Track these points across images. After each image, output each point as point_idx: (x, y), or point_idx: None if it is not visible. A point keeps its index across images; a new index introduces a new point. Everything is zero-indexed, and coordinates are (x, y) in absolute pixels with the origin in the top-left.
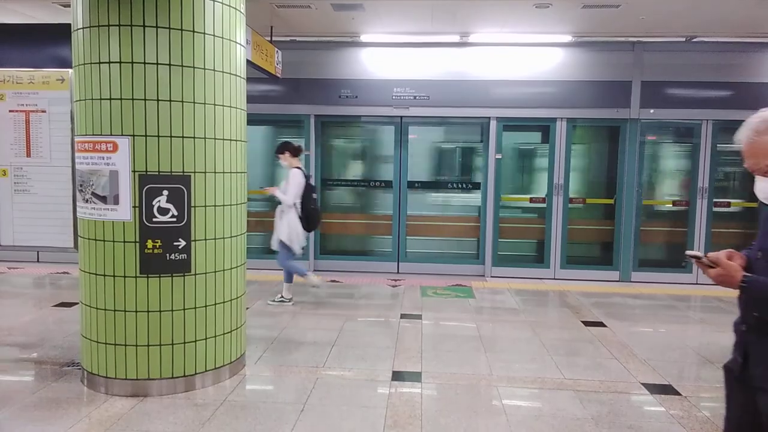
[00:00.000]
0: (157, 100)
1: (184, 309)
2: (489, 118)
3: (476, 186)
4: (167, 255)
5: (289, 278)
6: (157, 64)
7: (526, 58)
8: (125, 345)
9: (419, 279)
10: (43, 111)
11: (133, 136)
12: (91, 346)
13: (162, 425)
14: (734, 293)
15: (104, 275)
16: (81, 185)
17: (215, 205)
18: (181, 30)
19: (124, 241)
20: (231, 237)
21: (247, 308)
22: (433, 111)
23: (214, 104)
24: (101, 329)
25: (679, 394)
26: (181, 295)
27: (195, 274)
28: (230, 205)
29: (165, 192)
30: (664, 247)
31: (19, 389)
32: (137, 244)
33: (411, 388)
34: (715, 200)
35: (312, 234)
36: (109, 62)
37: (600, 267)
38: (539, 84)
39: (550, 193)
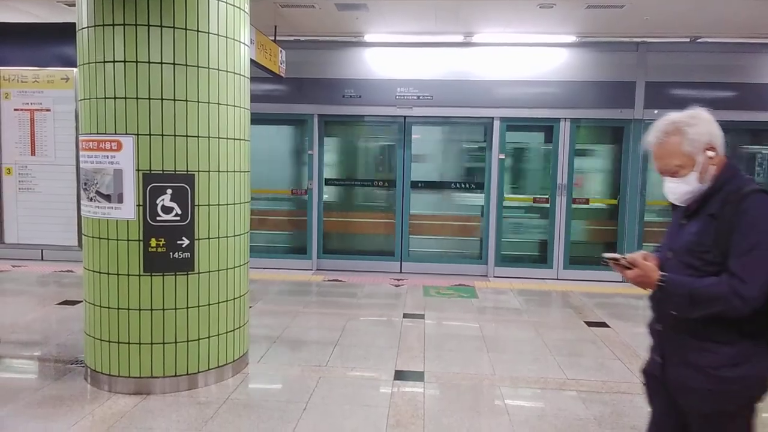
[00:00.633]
0: (161, 99)
1: (187, 307)
2: (492, 118)
3: (479, 186)
4: (171, 253)
5: None
6: (162, 63)
7: (530, 58)
8: (129, 343)
9: (422, 279)
10: (48, 110)
11: (137, 135)
12: (95, 343)
13: (165, 423)
14: None
15: (108, 273)
16: (85, 184)
17: (219, 204)
18: (186, 29)
19: (128, 240)
20: (234, 236)
21: (250, 307)
22: (437, 111)
23: (218, 103)
24: (105, 327)
25: None
26: (184, 294)
27: (198, 273)
28: (234, 204)
29: (169, 191)
30: None
31: (23, 386)
32: (141, 243)
33: (414, 387)
34: None
35: (315, 233)
36: (114, 61)
37: (603, 267)
38: (543, 84)
39: (553, 193)
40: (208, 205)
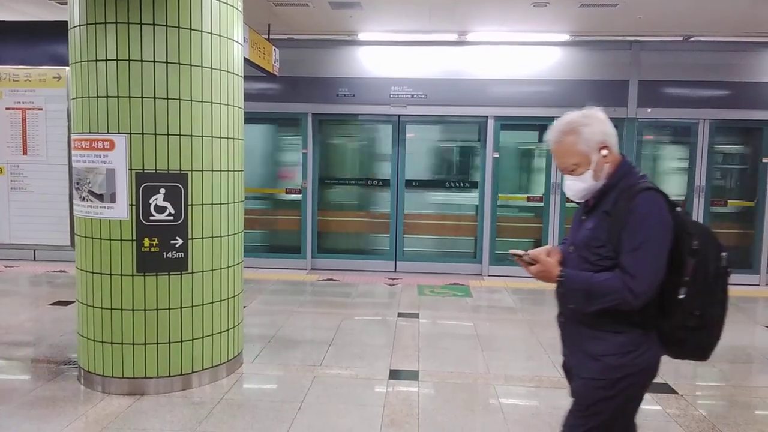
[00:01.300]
0: (154, 98)
1: (180, 307)
2: (487, 117)
3: (474, 185)
4: (164, 253)
5: None
6: (154, 61)
7: (524, 57)
8: (122, 343)
9: (416, 278)
10: (40, 109)
11: (130, 134)
12: (88, 344)
13: (159, 424)
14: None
15: (101, 273)
16: (78, 183)
17: (212, 204)
18: (179, 27)
19: (121, 240)
20: (228, 235)
21: (245, 306)
22: (431, 110)
23: (212, 102)
24: (98, 328)
25: (675, 392)
26: (177, 294)
27: (192, 273)
28: (227, 203)
29: (162, 190)
30: None
31: (16, 387)
32: (134, 243)
33: (408, 386)
34: (712, 199)
35: (309, 233)
36: (106, 60)
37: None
38: (537, 83)
39: (547, 192)
40: (202, 204)
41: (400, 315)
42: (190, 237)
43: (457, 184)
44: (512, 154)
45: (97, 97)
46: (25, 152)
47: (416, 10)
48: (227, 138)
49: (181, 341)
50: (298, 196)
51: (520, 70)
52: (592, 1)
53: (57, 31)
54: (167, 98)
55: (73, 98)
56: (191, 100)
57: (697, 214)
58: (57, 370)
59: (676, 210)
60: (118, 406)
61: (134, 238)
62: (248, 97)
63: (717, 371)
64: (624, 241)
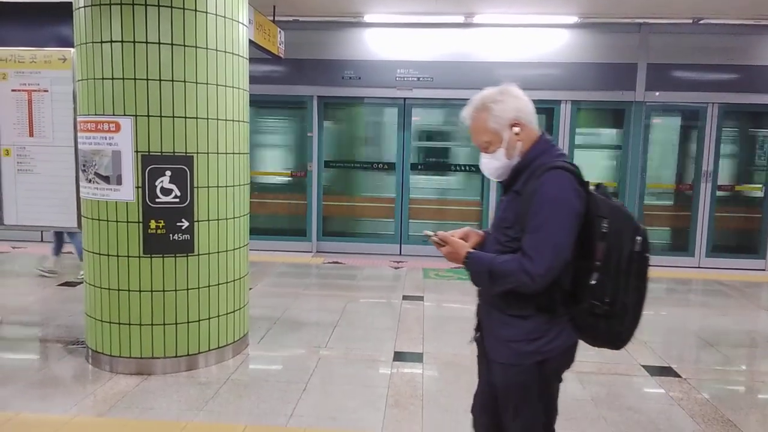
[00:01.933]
0: (160, 80)
1: (187, 289)
2: None
3: (479, 169)
4: (170, 235)
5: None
6: (160, 43)
7: (531, 40)
8: (129, 324)
9: (421, 261)
10: (46, 90)
11: (136, 116)
12: (96, 325)
13: (166, 403)
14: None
15: (108, 255)
16: (84, 165)
17: (218, 186)
18: (183, 9)
19: (128, 221)
20: (234, 218)
21: (250, 289)
22: (437, 93)
23: (217, 84)
24: (105, 308)
25: (679, 376)
26: (184, 275)
27: (198, 255)
28: (233, 186)
29: (168, 172)
30: (667, 230)
31: (25, 367)
32: (140, 224)
33: (412, 368)
34: (719, 184)
35: (315, 216)
36: (111, 41)
37: None
38: (544, 66)
39: None
40: (207, 187)
41: (404, 298)
42: (196, 219)
43: (463, 168)
44: None
45: (103, 79)
46: (31, 134)
47: None
48: (233, 120)
49: (188, 322)
50: (303, 179)
51: (527, 52)
52: None
53: (62, 12)
54: (173, 80)
55: (79, 80)
56: (197, 83)
57: (703, 199)
58: (65, 350)
59: (589, 190)
60: (125, 386)
61: (140, 220)
62: (253, 79)
63: (720, 355)
64: (527, 222)
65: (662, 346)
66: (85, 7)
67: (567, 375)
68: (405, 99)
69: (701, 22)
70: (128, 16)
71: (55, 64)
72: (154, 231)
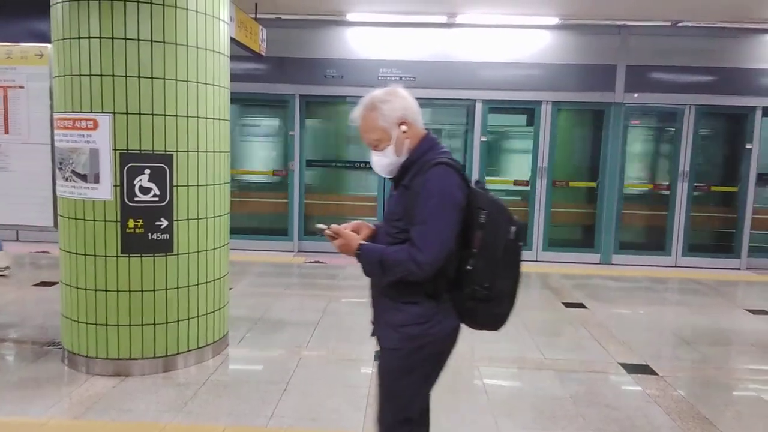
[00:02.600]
0: (139, 77)
1: (166, 289)
2: (475, 100)
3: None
4: (149, 234)
5: None
6: (139, 39)
7: (513, 41)
8: (106, 325)
9: None
10: (21, 87)
11: (114, 113)
12: (72, 325)
13: (144, 404)
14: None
15: (85, 255)
16: (61, 163)
17: (198, 185)
18: (163, 5)
19: (105, 221)
20: (214, 217)
21: (231, 288)
22: (419, 92)
23: (197, 82)
24: (82, 309)
25: (655, 373)
26: (163, 275)
27: (177, 254)
28: (213, 184)
29: (147, 171)
30: (644, 230)
31: None
32: (118, 224)
33: None
34: (695, 184)
35: (297, 215)
36: (89, 37)
37: (581, 249)
38: (525, 66)
39: (534, 175)
40: (187, 185)
41: None
42: (175, 218)
43: None
44: (500, 138)
45: (80, 75)
46: (6, 131)
47: None
48: (213, 118)
49: (166, 322)
50: (285, 178)
51: (509, 53)
52: None
53: (39, 7)
54: (152, 77)
55: (56, 76)
56: (176, 80)
57: (680, 199)
58: (41, 351)
59: (470, 185)
60: (102, 387)
61: (118, 219)
62: (234, 77)
63: (697, 353)
64: (415, 215)
65: (639, 344)
66: (62, 2)
67: (546, 373)
68: None
69: (679, 24)
70: (107, 12)
71: (32, 59)
72: (132, 230)
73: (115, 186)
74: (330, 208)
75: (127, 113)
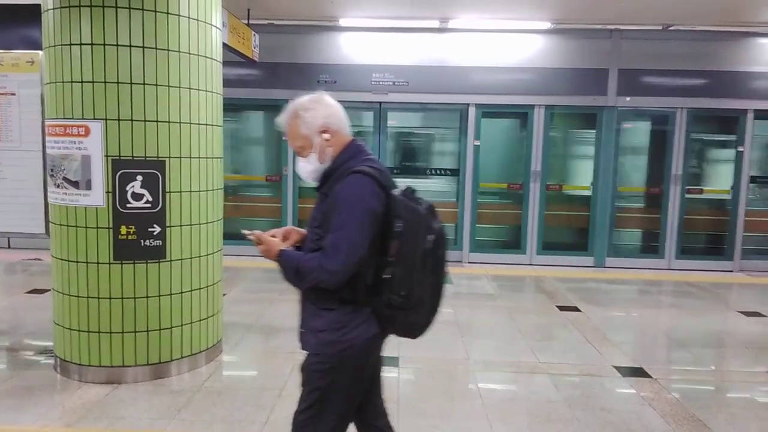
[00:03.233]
0: (131, 83)
1: (159, 296)
2: (468, 104)
3: (455, 172)
4: (142, 241)
5: None
6: (131, 46)
7: (506, 45)
8: (99, 332)
9: None
10: (13, 94)
11: (106, 120)
12: (64, 333)
13: (137, 412)
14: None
15: (77, 262)
16: (52, 170)
17: (191, 191)
18: (155, 11)
19: (98, 227)
20: (207, 223)
21: (224, 295)
22: (413, 97)
23: (189, 88)
24: (74, 316)
25: (649, 376)
26: (156, 282)
27: (170, 261)
28: (206, 190)
29: (139, 177)
30: (638, 233)
31: None
32: (111, 230)
33: (388, 372)
34: (687, 187)
35: (290, 220)
36: (81, 44)
37: (575, 253)
38: (518, 71)
39: (527, 180)
40: (180, 191)
41: None
42: (168, 225)
43: (438, 172)
44: (493, 142)
45: (72, 82)
46: None
47: None
48: (206, 125)
49: (160, 329)
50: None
51: (502, 57)
52: None
53: (30, 14)
54: (144, 84)
55: (47, 83)
56: (168, 86)
57: (673, 202)
58: (33, 359)
59: (389, 193)
60: (95, 395)
61: (111, 225)
62: (227, 83)
63: (690, 356)
64: (331, 222)
65: (633, 347)
66: (53, 9)
67: (540, 377)
68: (381, 103)
69: (671, 28)
70: (98, 19)
71: (23, 66)
72: (124, 237)
73: (107, 192)
74: None
75: (119, 120)
